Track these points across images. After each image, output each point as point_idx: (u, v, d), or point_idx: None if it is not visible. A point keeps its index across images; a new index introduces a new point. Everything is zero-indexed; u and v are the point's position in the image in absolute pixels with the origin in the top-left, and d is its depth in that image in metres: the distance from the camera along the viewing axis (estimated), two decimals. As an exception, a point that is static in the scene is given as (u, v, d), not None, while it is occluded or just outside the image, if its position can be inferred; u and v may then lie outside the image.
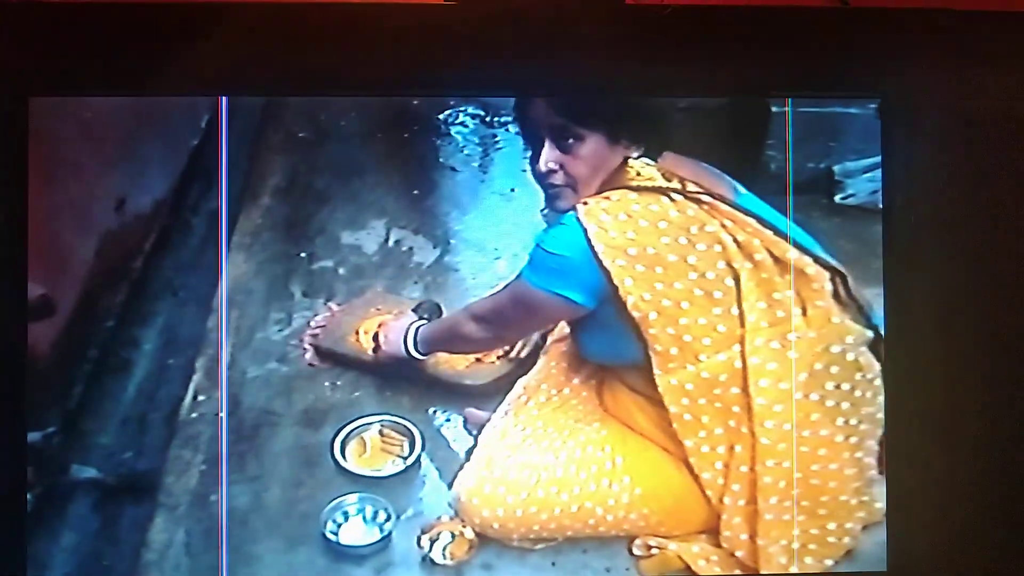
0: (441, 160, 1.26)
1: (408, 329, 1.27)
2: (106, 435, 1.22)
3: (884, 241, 1.24)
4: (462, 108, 1.24)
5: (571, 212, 1.17)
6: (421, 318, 1.27)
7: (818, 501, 1.18)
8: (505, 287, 1.23)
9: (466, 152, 1.26)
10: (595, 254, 1.15)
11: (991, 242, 1.26)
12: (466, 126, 1.25)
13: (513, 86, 1.22)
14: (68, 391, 1.21)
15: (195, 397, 1.23)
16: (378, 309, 1.29)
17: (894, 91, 1.25)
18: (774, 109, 1.27)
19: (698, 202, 1.16)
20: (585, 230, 1.15)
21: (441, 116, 1.24)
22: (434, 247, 1.28)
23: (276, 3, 1.21)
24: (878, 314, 1.21)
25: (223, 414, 1.22)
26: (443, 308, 1.28)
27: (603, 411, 1.25)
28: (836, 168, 1.28)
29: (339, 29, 1.21)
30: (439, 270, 1.28)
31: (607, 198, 1.17)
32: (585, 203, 1.17)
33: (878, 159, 1.28)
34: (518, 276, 1.20)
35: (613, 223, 1.15)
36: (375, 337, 1.28)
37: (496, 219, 1.25)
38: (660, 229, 1.16)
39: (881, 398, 1.20)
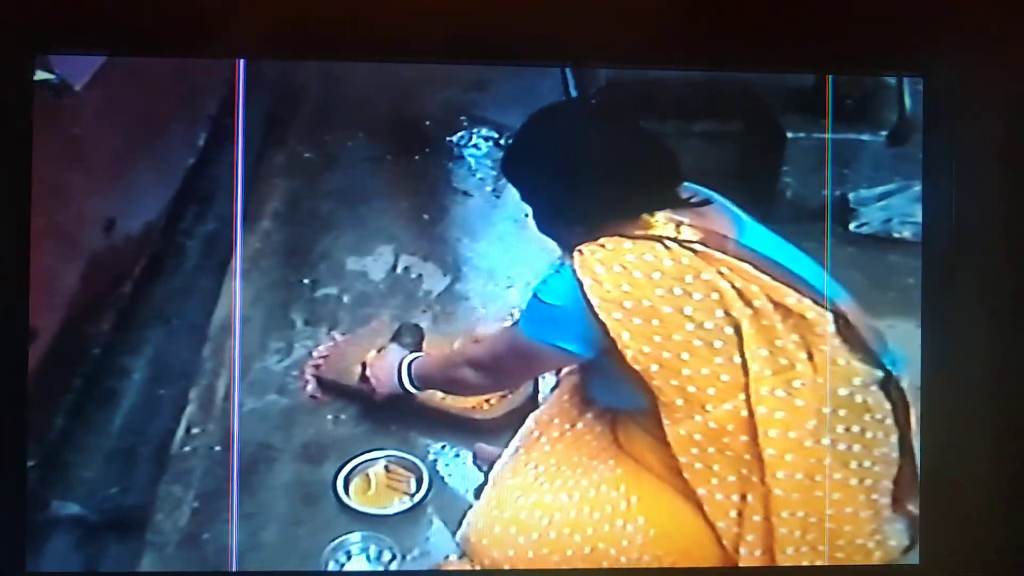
0: (453, 184, 1.22)
1: (400, 364, 1.22)
2: (90, 469, 1.15)
3: (923, 230, 1.20)
4: (475, 130, 1.20)
5: (567, 262, 1.12)
6: (405, 346, 1.22)
7: (835, 545, 1.15)
8: (502, 333, 1.19)
9: (479, 176, 1.22)
10: (590, 307, 1.11)
11: None
12: (479, 148, 1.21)
13: (550, 56, 1.16)
14: (49, 423, 1.14)
15: (188, 430, 1.18)
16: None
17: (939, 69, 1.21)
18: (789, 135, 1.24)
19: (692, 250, 1.12)
20: (580, 282, 1.11)
21: (453, 138, 1.20)
22: (444, 274, 1.24)
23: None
24: (889, 349, 1.18)
25: (234, 442, 1.15)
26: (424, 332, 1.23)
27: (617, 447, 1.21)
28: (851, 196, 1.26)
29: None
30: (449, 299, 1.23)
31: (602, 246, 1.11)
32: (580, 251, 1.12)
33: (889, 187, 1.26)
34: (515, 324, 1.16)
35: (607, 274, 1.11)
36: (363, 377, 1.23)
37: (509, 246, 1.21)
38: (654, 280, 1.11)
39: (894, 437, 1.17)
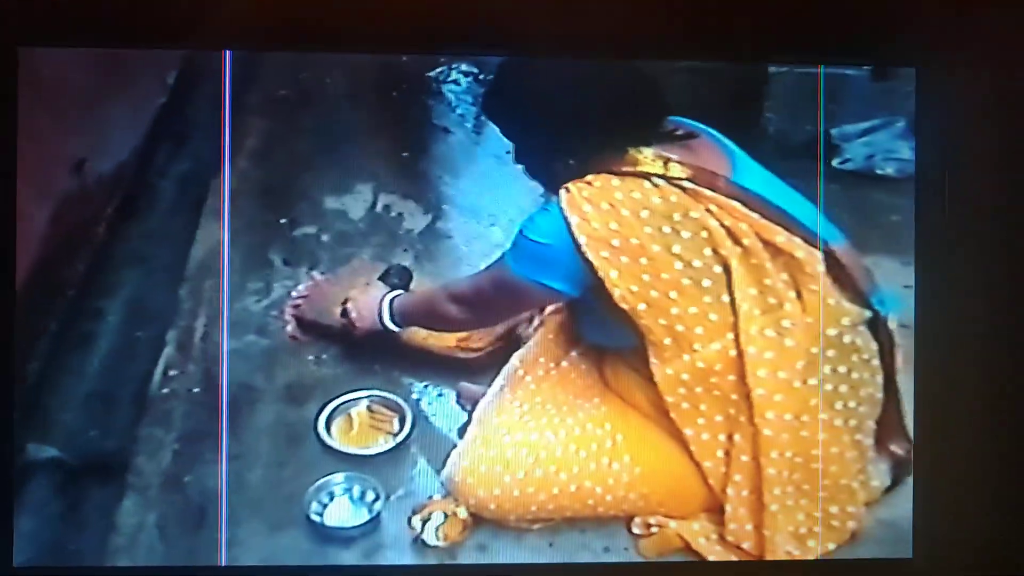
0: (433, 121, 1.19)
1: (382, 301, 1.20)
2: (68, 412, 1.13)
3: (916, 216, 1.21)
4: (454, 65, 1.17)
5: (554, 198, 1.10)
6: (393, 287, 1.20)
7: (821, 485, 1.16)
8: (487, 269, 1.16)
9: (459, 112, 1.19)
10: (578, 246, 1.09)
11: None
12: (458, 84, 1.18)
13: (510, 46, 1.14)
14: (23, 366, 1.12)
15: (166, 372, 1.16)
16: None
17: (932, 60, 1.20)
18: (772, 70, 1.22)
19: (681, 187, 1.11)
20: (567, 220, 1.09)
21: (432, 74, 1.17)
22: (425, 213, 1.22)
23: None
24: (878, 289, 1.17)
25: (222, 385, 1.14)
26: (413, 273, 1.22)
27: (603, 385, 1.21)
28: (834, 132, 1.24)
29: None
30: (430, 237, 1.22)
31: (589, 183, 1.10)
32: (567, 189, 1.10)
33: (874, 123, 1.25)
34: (500, 260, 1.14)
35: (595, 213, 1.09)
36: (343, 312, 1.21)
37: (491, 183, 1.19)
38: (643, 218, 1.10)
39: (880, 377, 1.17)
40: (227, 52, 1.10)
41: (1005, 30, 1.21)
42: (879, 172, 1.29)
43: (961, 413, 1.21)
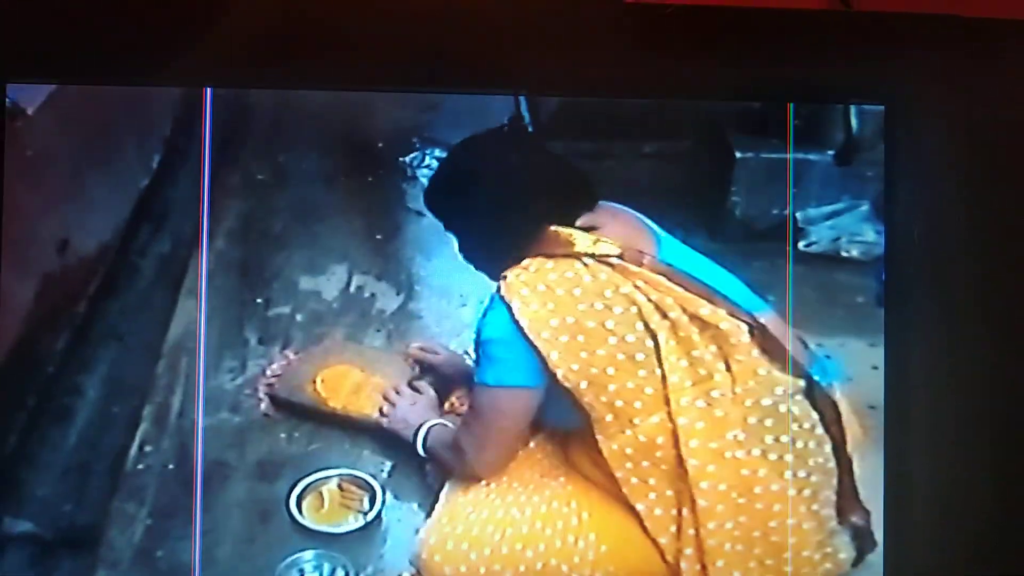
0: (407, 204, 1.22)
1: (423, 426, 1.23)
2: (44, 486, 1.14)
3: (886, 250, 1.23)
4: (427, 151, 1.20)
5: (496, 291, 1.15)
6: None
7: (781, 558, 1.17)
8: (471, 394, 1.21)
9: (431, 196, 1.23)
10: (521, 330, 1.12)
11: (998, 256, 1.23)
12: (431, 169, 1.21)
13: (505, 84, 1.18)
14: (2, 440, 1.13)
15: (141, 447, 1.17)
16: (339, 358, 1.24)
17: (899, 97, 1.23)
18: (738, 155, 1.25)
19: (610, 264, 1.14)
20: (509, 307, 1.12)
21: (406, 159, 1.20)
22: (397, 293, 1.24)
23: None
24: (817, 359, 1.19)
25: (198, 462, 1.16)
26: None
27: (568, 465, 1.22)
28: (798, 215, 1.27)
29: (331, 19, 1.15)
30: (402, 317, 1.24)
31: (525, 268, 1.15)
32: (504, 277, 1.15)
33: (838, 206, 1.27)
34: (473, 379, 1.18)
35: (532, 295, 1.13)
36: (385, 403, 1.25)
37: (462, 265, 1.21)
38: (576, 296, 1.13)
39: (828, 447, 1.18)
40: (207, 89, 1.14)
41: (976, 67, 1.24)
42: (844, 254, 1.31)
43: (933, 494, 1.21)
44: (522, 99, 1.19)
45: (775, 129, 1.24)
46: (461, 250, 1.20)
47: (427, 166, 1.21)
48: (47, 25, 1.13)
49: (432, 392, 1.27)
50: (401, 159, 1.20)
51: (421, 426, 1.23)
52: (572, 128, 1.22)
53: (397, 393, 1.25)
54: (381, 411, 1.24)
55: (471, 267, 1.20)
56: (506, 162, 1.19)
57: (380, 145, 1.19)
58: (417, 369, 1.27)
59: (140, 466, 1.17)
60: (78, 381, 1.17)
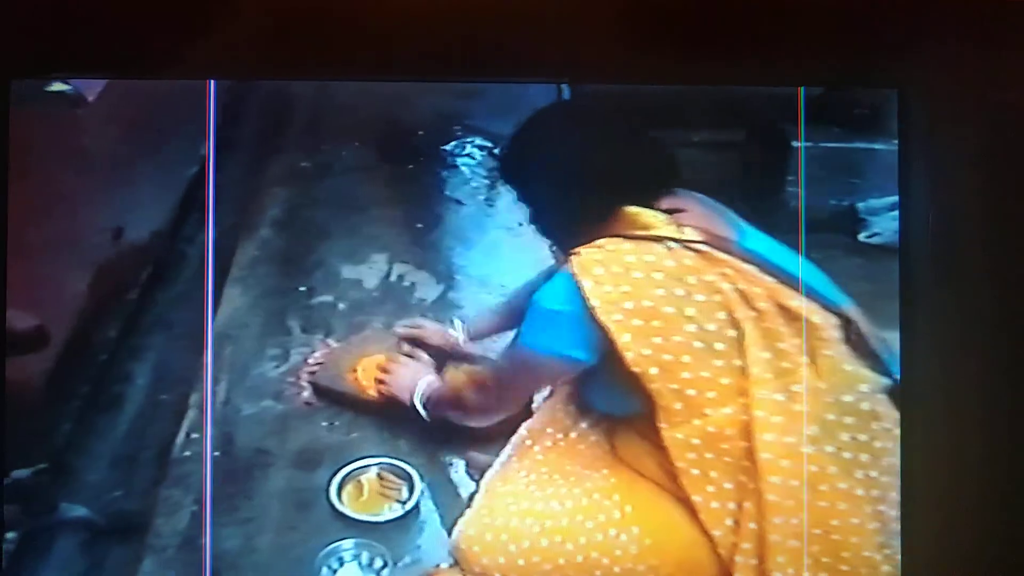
0: (447, 193, 1.22)
1: (419, 385, 1.23)
2: (96, 473, 1.17)
3: (900, 243, 1.16)
4: (468, 139, 1.20)
5: (564, 265, 1.12)
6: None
7: (839, 557, 1.11)
8: (503, 352, 1.19)
9: (472, 184, 1.22)
10: (591, 310, 1.10)
11: (1014, 241, 1.17)
12: (473, 158, 1.21)
13: (532, 73, 1.15)
14: (58, 427, 1.16)
15: (188, 435, 1.19)
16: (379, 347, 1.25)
17: (914, 82, 1.18)
18: (794, 144, 1.22)
19: (695, 250, 1.11)
20: (579, 284, 1.10)
21: (447, 147, 1.21)
22: (437, 283, 1.24)
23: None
24: (896, 359, 1.14)
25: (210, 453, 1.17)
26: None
27: (612, 457, 1.19)
28: (860, 205, 1.23)
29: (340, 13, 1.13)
30: (442, 307, 1.24)
31: (599, 247, 1.11)
32: (577, 254, 1.11)
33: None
34: (515, 340, 1.16)
35: (607, 276, 1.10)
36: (379, 380, 1.24)
37: (502, 254, 1.21)
38: (655, 280, 1.10)
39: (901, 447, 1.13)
40: (211, 82, 1.14)
41: (988, 54, 1.19)
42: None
43: (951, 479, 1.14)
44: (564, 88, 1.19)
45: (839, 118, 1.20)
46: (532, 220, 1.18)
47: (468, 155, 1.21)
48: (51, 23, 1.14)
49: (426, 356, 1.26)
50: (442, 147, 1.21)
51: (418, 387, 1.22)
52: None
53: (393, 364, 1.25)
54: (379, 381, 1.24)
55: (511, 255, 1.19)
56: (589, 134, 1.17)
57: (420, 133, 1.19)
58: (406, 347, 1.26)
59: (187, 453, 1.18)
60: (129, 369, 1.20)
